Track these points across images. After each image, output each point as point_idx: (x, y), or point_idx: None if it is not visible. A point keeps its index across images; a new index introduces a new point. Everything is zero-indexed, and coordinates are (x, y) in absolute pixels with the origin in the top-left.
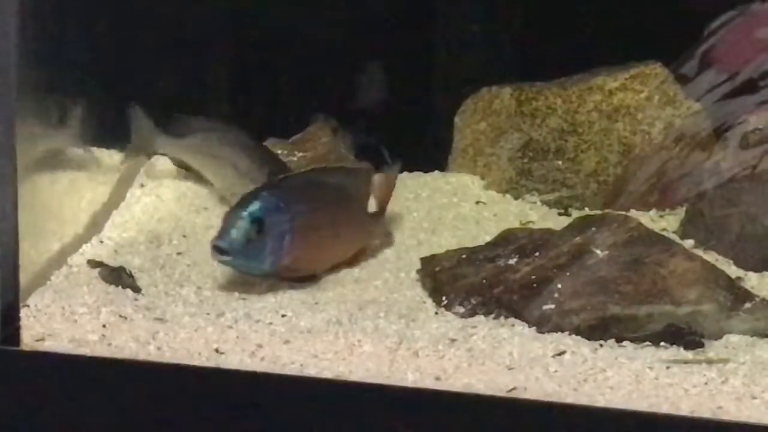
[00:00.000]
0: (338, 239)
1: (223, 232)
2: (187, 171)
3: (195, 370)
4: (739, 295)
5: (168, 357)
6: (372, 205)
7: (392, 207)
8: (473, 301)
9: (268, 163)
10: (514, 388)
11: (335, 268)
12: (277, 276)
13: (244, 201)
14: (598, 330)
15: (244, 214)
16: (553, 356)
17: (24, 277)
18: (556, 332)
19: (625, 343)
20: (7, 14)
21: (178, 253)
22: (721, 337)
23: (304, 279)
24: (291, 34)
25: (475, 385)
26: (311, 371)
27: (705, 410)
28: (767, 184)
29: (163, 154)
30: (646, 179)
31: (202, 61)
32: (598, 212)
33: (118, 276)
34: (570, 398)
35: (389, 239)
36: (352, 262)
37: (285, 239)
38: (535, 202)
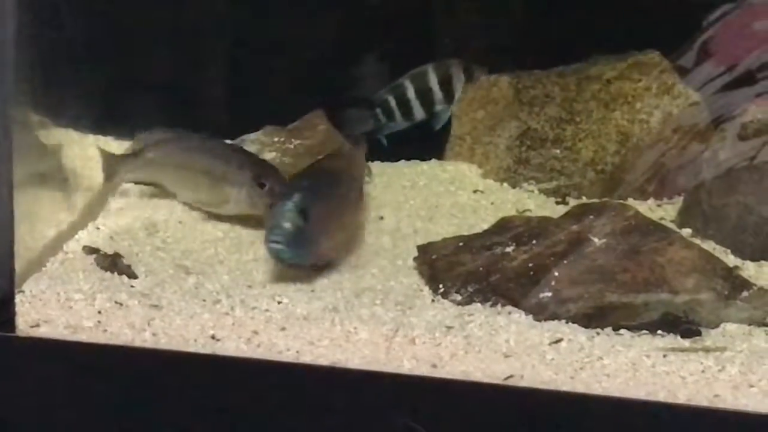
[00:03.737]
0: (348, 223)
1: (276, 227)
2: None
3: (191, 356)
4: (736, 283)
5: (163, 344)
6: None
7: (390, 195)
8: (470, 289)
9: (248, 165)
10: (510, 376)
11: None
12: (310, 265)
13: (287, 195)
14: (595, 318)
15: (291, 205)
16: (550, 344)
17: (19, 264)
18: (553, 320)
19: (622, 331)
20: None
21: (174, 240)
22: (718, 326)
23: (323, 267)
24: (288, 22)
25: (472, 373)
26: (307, 358)
27: (702, 398)
28: (765, 174)
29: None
30: (645, 169)
31: (199, 48)
32: (596, 201)
33: (113, 262)
34: (567, 386)
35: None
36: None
37: (322, 227)
38: (532, 191)
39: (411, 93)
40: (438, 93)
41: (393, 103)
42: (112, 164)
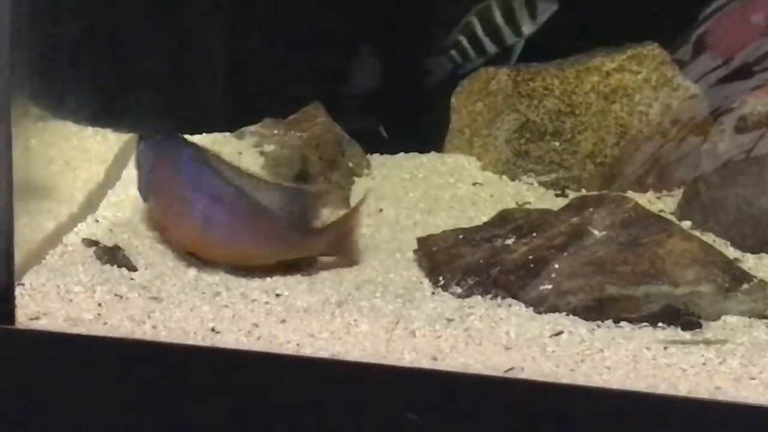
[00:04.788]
0: (221, 236)
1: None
2: None
3: (190, 349)
4: (736, 276)
5: (163, 336)
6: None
7: (389, 187)
8: (470, 281)
9: None
10: (511, 368)
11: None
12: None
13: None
14: (595, 310)
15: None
16: (551, 336)
17: (19, 256)
18: (554, 312)
19: (622, 323)
20: None
21: None
22: (718, 318)
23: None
24: (286, 14)
25: (472, 365)
26: (307, 351)
27: (703, 391)
28: (764, 167)
29: None
30: (644, 161)
31: (198, 40)
32: (596, 193)
33: (113, 255)
34: (567, 378)
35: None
36: (276, 270)
37: (146, 184)
38: (531, 184)
39: (479, 30)
40: (505, 28)
41: (465, 42)
42: None
